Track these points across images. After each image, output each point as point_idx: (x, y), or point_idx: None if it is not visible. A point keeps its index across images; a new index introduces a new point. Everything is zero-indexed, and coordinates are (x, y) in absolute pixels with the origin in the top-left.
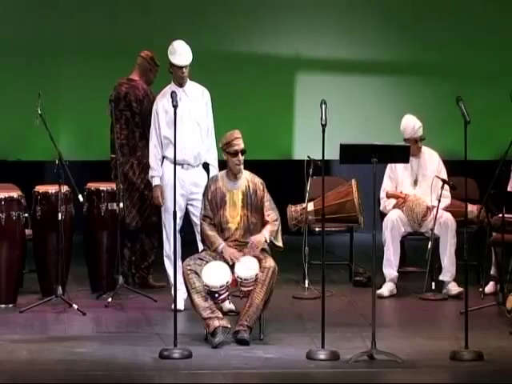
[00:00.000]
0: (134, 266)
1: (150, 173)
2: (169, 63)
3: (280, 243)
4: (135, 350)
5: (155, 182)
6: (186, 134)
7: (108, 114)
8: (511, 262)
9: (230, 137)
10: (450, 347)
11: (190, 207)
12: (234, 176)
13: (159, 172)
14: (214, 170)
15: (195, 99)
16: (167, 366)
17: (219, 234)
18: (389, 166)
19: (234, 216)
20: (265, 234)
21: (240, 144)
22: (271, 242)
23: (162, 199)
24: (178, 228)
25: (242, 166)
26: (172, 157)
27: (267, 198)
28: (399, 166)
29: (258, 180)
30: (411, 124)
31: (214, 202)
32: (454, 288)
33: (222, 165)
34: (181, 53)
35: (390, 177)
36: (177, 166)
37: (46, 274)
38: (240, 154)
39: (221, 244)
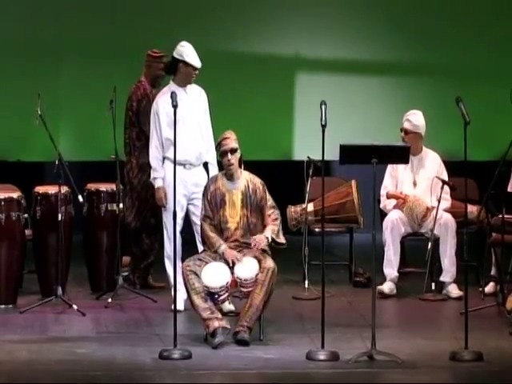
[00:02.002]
0: (134, 265)
1: (153, 174)
2: (180, 62)
3: (282, 240)
4: (135, 350)
5: (158, 183)
6: (189, 134)
7: (108, 115)
8: (511, 262)
9: (220, 138)
10: (449, 348)
11: (190, 206)
12: (230, 176)
13: (161, 173)
14: (214, 168)
15: (195, 99)
16: (167, 366)
17: (219, 234)
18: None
19: (233, 216)
20: (266, 234)
21: (228, 144)
22: (273, 240)
23: (166, 200)
24: (179, 228)
25: (234, 166)
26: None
27: (267, 197)
28: (400, 165)
29: (257, 180)
30: (410, 116)
31: (213, 203)
32: (454, 291)
33: (222, 166)
34: (195, 54)
35: (392, 175)
36: (179, 167)
37: (46, 274)
38: (229, 154)
39: (222, 245)
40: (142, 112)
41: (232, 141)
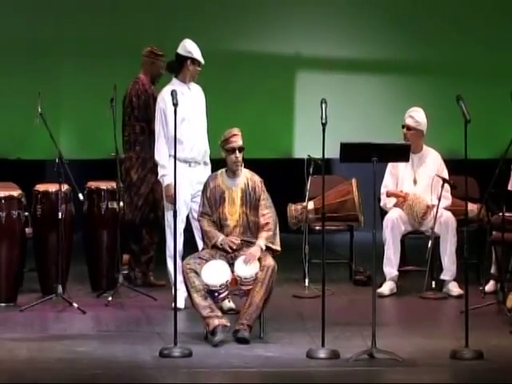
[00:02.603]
0: (134, 260)
1: (161, 171)
2: (187, 59)
3: (277, 247)
4: (135, 348)
5: (167, 180)
6: (196, 132)
7: (108, 113)
8: (511, 260)
9: (228, 134)
10: (450, 346)
11: (192, 204)
12: (232, 173)
13: (169, 170)
14: (207, 166)
15: (197, 96)
16: (167, 364)
17: (219, 231)
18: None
19: (232, 213)
20: (260, 245)
21: (237, 141)
22: (268, 247)
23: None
24: (183, 226)
25: (240, 164)
26: (181, 156)
27: (264, 196)
28: (401, 163)
29: (257, 178)
30: (413, 112)
31: (212, 200)
32: (454, 289)
33: (222, 163)
34: (199, 51)
35: (392, 173)
36: (185, 164)
37: (46, 272)
38: (237, 151)
39: (220, 237)
40: (142, 107)
41: (240, 138)
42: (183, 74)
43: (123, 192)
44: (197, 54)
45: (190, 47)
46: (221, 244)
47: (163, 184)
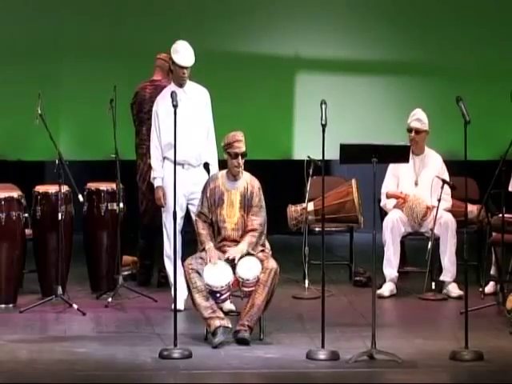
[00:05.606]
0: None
1: (152, 174)
2: (171, 62)
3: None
4: (135, 350)
5: (157, 183)
6: (187, 135)
7: (108, 114)
8: (511, 262)
9: (232, 138)
10: (449, 347)
11: (190, 206)
12: (233, 177)
13: (161, 173)
14: (214, 170)
15: (195, 99)
16: (167, 366)
17: (216, 233)
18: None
19: (231, 216)
20: (243, 249)
21: (241, 147)
22: (248, 252)
23: (164, 200)
24: (179, 228)
25: (241, 169)
26: (172, 158)
27: (257, 203)
28: (402, 165)
29: (256, 183)
30: (413, 113)
31: (211, 200)
32: (454, 290)
33: (223, 164)
34: (184, 53)
35: (393, 174)
36: (177, 166)
37: (46, 273)
38: (240, 157)
39: (208, 244)
40: None
41: (244, 144)
42: (173, 77)
43: (142, 196)
44: (177, 54)
45: (174, 48)
46: (206, 252)
47: (154, 186)
